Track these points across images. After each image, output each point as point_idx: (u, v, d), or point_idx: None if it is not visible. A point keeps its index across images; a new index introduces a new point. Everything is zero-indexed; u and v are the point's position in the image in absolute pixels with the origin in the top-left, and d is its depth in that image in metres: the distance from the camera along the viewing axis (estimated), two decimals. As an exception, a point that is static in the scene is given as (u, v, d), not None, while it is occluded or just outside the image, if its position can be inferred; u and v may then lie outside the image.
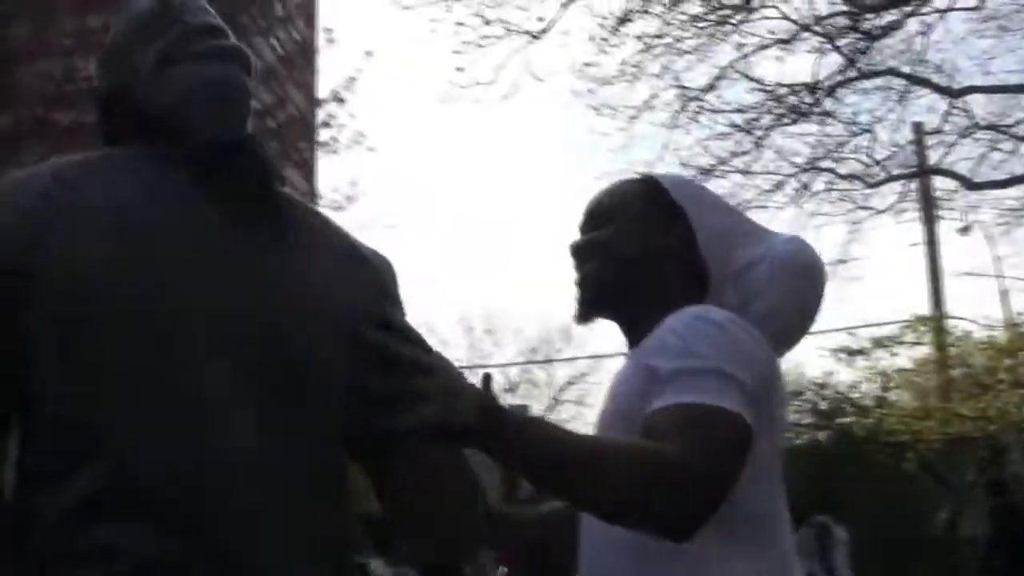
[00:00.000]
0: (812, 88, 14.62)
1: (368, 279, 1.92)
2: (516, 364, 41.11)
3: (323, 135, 17.26)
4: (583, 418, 39.55)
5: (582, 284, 2.13)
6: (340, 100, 16.73)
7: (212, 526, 1.61)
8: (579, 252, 2.15)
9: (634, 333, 2.08)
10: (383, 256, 2.00)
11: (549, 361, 39.64)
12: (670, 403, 1.77)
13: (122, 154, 1.82)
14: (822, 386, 17.37)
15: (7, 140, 14.49)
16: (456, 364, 1.72)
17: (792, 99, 14.74)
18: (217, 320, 1.69)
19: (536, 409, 40.37)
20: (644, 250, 2.07)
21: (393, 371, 1.72)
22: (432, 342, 1.87)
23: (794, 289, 2.04)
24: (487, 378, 1.74)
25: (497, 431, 1.67)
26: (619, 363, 2.14)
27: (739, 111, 14.82)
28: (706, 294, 2.05)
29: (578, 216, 2.20)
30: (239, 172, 1.80)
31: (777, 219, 15.60)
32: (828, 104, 14.93)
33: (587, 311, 2.15)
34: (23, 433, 1.69)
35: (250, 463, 1.65)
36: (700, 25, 14.32)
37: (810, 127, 15.15)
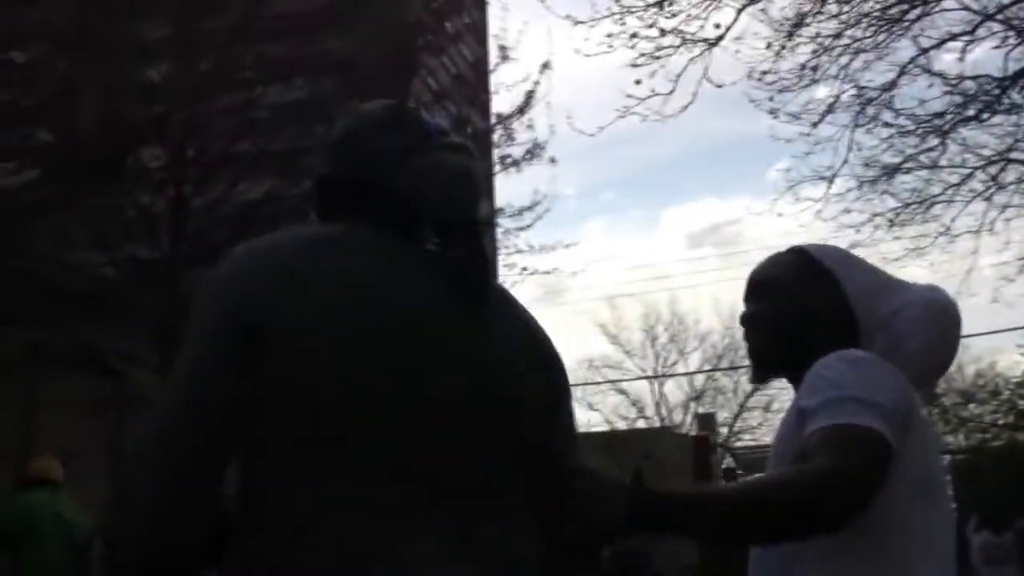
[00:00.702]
0: (999, 79, 14.16)
1: (545, 367, 2.06)
2: (701, 372, 40.95)
3: (503, 151, 17.22)
4: (769, 424, 39.21)
5: (753, 356, 2.49)
6: (520, 113, 16.72)
7: None
8: (746, 324, 2.51)
9: (799, 382, 2.31)
10: (545, 332, 2.15)
11: (735, 368, 39.42)
12: (816, 427, 2.05)
13: (358, 231, 1.95)
14: (1022, 384, 16.89)
15: (196, 171, 14.95)
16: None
17: (978, 93, 14.30)
18: (440, 397, 1.81)
19: (723, 416, 40.16)
20: (799, 315, 2.40)
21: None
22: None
23: (940, 330, 2.34)
24: (638, 472, 1.92)
25: (655, 520, 1.90)
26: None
27: (924, 119, 14.42)
28: (857, 342, 2.34)
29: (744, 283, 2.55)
30: (468, 256, 1.95)
31: (965, 213, 15.22)
32: (1016, 95, 14.45)
33: (761, 377, 2.51)
34: (247, 457, 1.82)
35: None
36: (879, 23, 14.00)
37: (998, 118, 14.69)
